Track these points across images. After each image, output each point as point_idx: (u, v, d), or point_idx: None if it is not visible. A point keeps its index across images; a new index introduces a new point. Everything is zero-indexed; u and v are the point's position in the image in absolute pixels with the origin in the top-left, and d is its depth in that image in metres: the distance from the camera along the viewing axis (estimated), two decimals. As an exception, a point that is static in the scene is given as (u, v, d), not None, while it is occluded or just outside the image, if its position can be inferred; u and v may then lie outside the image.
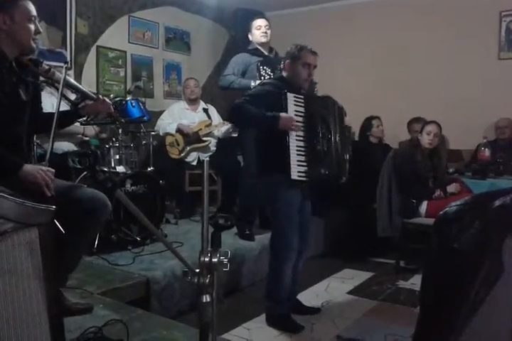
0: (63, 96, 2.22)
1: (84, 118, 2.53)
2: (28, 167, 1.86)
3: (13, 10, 1.92)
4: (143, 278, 2.67)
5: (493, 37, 4.80)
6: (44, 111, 2.32)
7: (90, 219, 2.01)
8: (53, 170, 1.92)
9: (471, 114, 4.68)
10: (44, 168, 1.89)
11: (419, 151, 3.78)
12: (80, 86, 2.42)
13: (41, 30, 2.05)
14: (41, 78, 2.17)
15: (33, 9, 1.98)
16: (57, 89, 2.11)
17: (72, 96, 2.63)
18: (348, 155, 2.81)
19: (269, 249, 2.82)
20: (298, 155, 2.55)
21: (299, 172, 2.54)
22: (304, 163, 2.55)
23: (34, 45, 2.02)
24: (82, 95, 2.41)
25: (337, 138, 2.69)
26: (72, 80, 2.40)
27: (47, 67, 2.14)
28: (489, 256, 0.94)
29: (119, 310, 2.23)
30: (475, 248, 0.96)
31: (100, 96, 2.38)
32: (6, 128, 1.95)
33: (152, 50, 5.21)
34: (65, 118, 2.28)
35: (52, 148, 2.03)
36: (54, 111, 2.00)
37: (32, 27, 1.97)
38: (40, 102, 2.27)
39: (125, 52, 4.93)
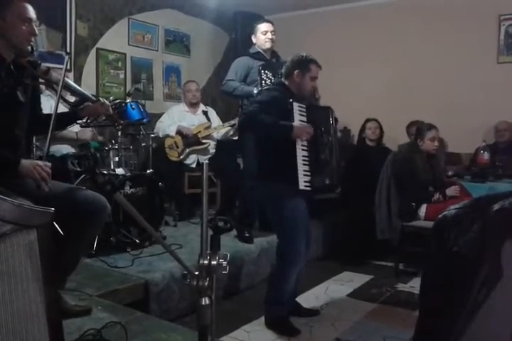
0: (62, 98, 2.22)
1: (84, 121, 2.54)
2: (25, 162, 1.89)
3: (5, 10, 1.91)
4: (142, 280, 2.67)
5: (492, 41, 4.81)
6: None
7: (89, 221, 2.01)
8: (50, 164, 1.94)
9: (470, 118, 4.69)
10: (40, 162, 1.92)
11: (419, 156, 3.77)
12: (78, 88, 2.43)
13: (37, 32, 2.03)
14: (40, 80, 2.17)
15: (28, 11, 1.96)
16: (56, 90, 2.11)
17: (72, 99, 2.64)
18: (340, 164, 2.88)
19: (275, 253, 2.81)
20: (303, 165, 2.57)
21: (305, 182, 2.55)
22: (308, 173, 2.57)
23: (28, 47, 2.00)
24: (81, 97, 2.41)
25: (336, 148, 2.73)
26: (71, 82, 2.40)
27: (45, 69, 2.14)
28: (488, 260, 0.94)
29: (117, 312, 2.23)
30: (474, 251, 0.96)
31: (99, 99, 2.38)
32: (4, 129, 1.95)
33: (152, 52, 5.22)
34: (64, 120, 2.29)
35: (48, 149, 2.04)
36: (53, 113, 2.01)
37: (25, 28, 1.95)
38: (40, 103, 2.27)
39: (125, 54, 4.93)
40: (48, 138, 2.01)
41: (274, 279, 2.78)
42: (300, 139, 2.54)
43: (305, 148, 2.59)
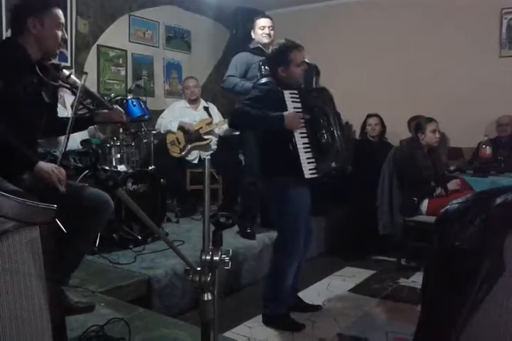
0: (81, 103, 2.27)
1: None
2: (43, 164, 1.92)
3: (44, 15, 1.97)
4: (144, 276, 2.68)
5: (494, 34, 4.79)
6: None
7: (92, 218, 2.02)
8: (64, 171, 1.99)
9: (472, 112, 4.68)
10: (57, 166, 1.97)
11: (420, 151, 3.77)
12: (97, 94, 2.48)
13: (67, 37, 2.10)
14: (61, 83, 2.20)
15: (61, 16, 2.04)
16: (75, 94, 2.16)
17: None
18: (347, 143, 2.78)
19: (272, 249, 2.80)
20: (305, 152, 2.48)
21: (310, 169, 2.46)
22: (312, 160, 2.48)
23: (58, 51, 2.09)
24: (98, 103, 2.45)
25: (338, 128, 2.64)
26: (90, 88, 2.43)
27: (67, 73, 2.18)
28: (490, 254, 0.94)
29: (120, 308, 2.24)
30: (476, 246, 0.96)
31: (115, 106, 2.43)
32: (25, 127, 1.97)
33: (153, 49, 5.22)
34: (79, 123, 2.32)
35: (65, 151, 2.11)
36: (69, 116, 2.11)
37: (59, 33, 2.02)
38: (57, 106, 2.33)
39: (126, 51, 4.93)
40: (65, 142, 2.07)
41: (271, 273, 2.74)
42: (295, 128, 2.45)
43: (304, 135, 2.50)
